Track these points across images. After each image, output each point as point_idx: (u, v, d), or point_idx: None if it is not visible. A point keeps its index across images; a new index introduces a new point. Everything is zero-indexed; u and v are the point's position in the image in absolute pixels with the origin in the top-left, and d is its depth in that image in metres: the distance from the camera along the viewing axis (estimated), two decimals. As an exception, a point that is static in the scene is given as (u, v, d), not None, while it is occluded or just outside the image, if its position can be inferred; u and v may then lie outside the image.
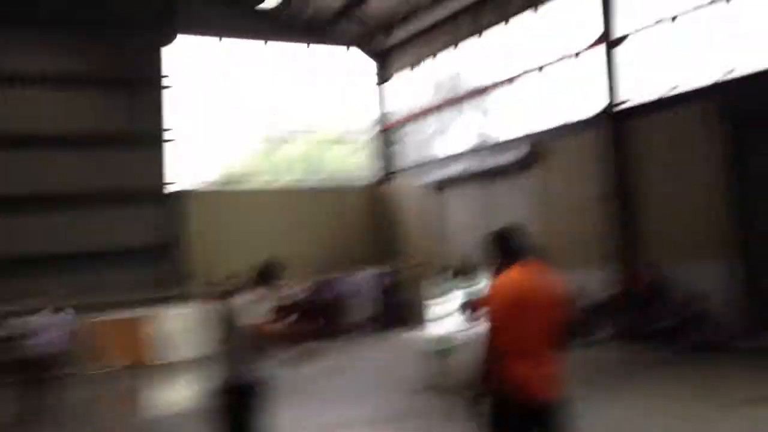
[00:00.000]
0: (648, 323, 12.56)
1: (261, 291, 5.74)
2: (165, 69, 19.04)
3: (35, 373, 9.70)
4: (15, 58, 17.28)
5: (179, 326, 15.44)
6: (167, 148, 18.93)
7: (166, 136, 18.91)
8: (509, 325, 4.20)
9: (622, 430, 7.49)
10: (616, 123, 14.18)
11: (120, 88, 18.41)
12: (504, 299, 4.25)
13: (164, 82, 19.00)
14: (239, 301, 5.69)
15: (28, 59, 17.44)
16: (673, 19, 13.26)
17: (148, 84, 18.80)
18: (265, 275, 5.84)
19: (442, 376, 9.53)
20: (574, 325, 4.21)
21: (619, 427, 7.57)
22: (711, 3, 12.53)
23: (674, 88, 13.22)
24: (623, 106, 14.21)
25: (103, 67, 18.26)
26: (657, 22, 13.55)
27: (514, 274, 4.36)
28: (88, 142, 17.81)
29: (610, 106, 14.33)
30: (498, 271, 4.45)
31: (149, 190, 18.49)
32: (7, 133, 16.94)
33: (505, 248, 4.44)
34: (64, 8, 17.55)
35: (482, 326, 4.37)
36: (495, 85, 17.83)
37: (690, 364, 10.78)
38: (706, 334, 11.75)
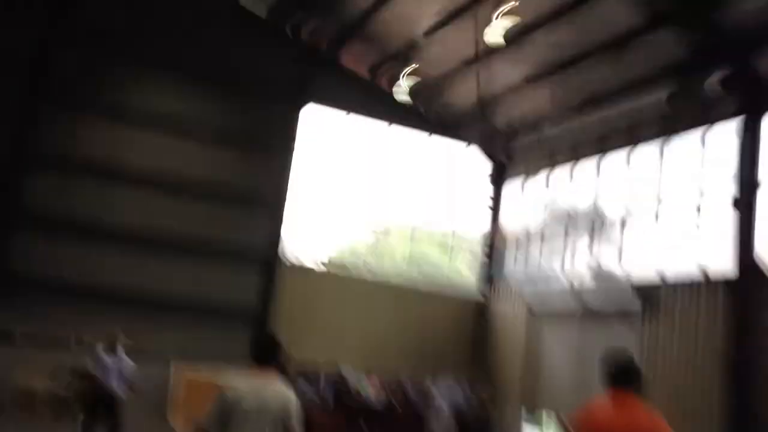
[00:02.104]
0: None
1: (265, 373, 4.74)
2: (294, 136, 19.18)
3: (101, 412, 9.84)
4: (150, 100, 17.76)
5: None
6: (283, 215, 18.88)
7: (285, 203, 18.91)
8: None
9: None
10: (745, 286, 13.05)
11: (249, 148, 18.64)
12: (581, 426, 4.31)
13: (293, 149, 19.13)
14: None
15: (162, 102, 17.90)
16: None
17: (276, 148, 18.93)
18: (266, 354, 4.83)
19: None
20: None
21: None
22: None
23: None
24: (755, 269, 13.00)
25: (234, 124, 18.58)
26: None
27: (600, 402, 4.36)
28: (205, 193, 18.01)
29: (741, 265, 13.18)
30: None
31: (254, 253, 18.44)
32: (128, 169, 17.19)
33: (609, 374, 4.39)
34: (203, 61, 18.04)
35: None
36: (616, 219, 16.97)
37: None
38: None
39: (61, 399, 15.10)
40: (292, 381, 15.70)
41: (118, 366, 9.97)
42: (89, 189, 16.88)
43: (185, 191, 17.76)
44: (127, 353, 10.16)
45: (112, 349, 10.04)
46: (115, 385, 9.90)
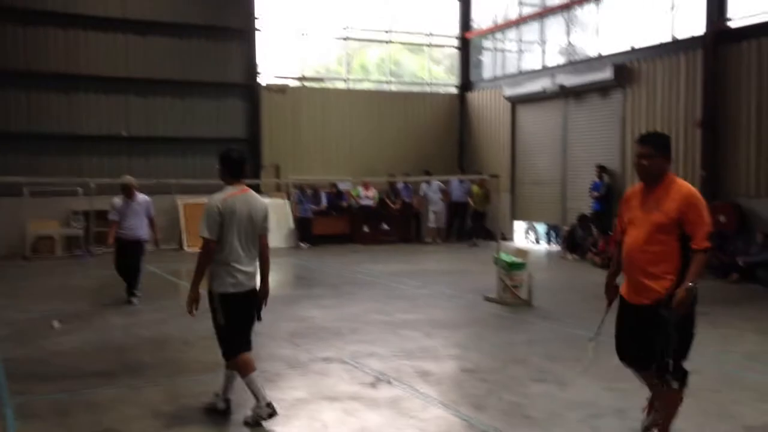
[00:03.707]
0: (730, 257, 11.99)
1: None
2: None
3: (125, 252, 10.09)
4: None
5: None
6: (254, 43, 18.61)
7: (253, 31, 18.55)
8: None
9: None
10: (715, 46, 13.25)
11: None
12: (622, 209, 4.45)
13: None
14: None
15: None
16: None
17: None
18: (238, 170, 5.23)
19: (508, 289, 9.68)
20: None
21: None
22: None
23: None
24: (726, 27, 13.20)
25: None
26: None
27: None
28: (175, 31, 17.69)
29: (712, 26, 13.33)
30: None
31: (233, 83, 18.47)
32: (96, 16, 16.92)
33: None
34: None
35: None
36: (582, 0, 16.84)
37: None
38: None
39: (75, 239, 16.07)
40: (288, 195, 16.44)
41: (135, 207, 10.03)
42: (60, 39, 16.65)
43: (155, 33, 17.43)
44: (137, 192, 10.22)
45: (127, 194, 10.06)
46: (136, 225, 10.03)
